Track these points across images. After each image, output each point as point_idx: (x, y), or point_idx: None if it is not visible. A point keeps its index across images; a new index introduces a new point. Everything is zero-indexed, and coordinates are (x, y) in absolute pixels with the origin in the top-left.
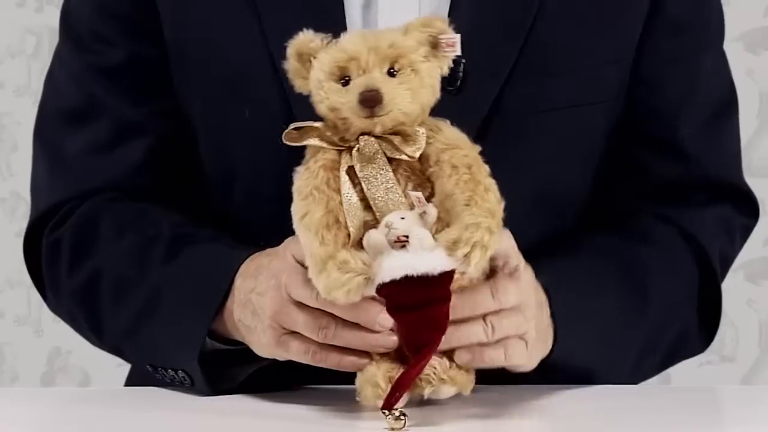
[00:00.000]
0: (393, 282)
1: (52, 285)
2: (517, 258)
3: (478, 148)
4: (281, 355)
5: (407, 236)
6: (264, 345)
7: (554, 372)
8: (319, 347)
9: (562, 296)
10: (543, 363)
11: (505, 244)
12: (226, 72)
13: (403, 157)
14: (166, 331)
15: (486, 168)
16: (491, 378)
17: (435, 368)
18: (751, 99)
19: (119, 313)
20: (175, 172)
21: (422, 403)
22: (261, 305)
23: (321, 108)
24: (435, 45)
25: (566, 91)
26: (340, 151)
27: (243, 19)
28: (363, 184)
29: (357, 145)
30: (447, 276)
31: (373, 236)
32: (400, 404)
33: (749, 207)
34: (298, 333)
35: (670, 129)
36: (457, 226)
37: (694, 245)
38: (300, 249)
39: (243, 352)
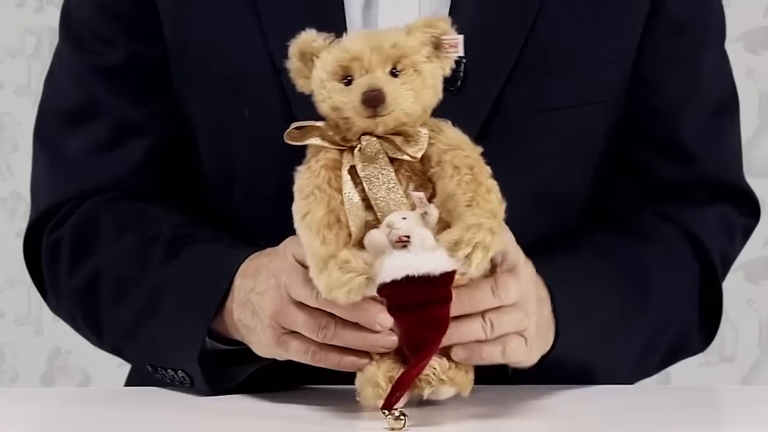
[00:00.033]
0: (394, 282)
1: (52, 285)
2: (516, 254)
3: (480, 149)
4: (281, 355)
5: (409, 236)
6: (263, 345)
7: (555, 369)
8: (318, 347)
9: (564, 292)
10: (544, 359)
11: (504, 240)
12: (226, 72)
13: (405, 157)
14: (166, 331)
15: (488, 169)
16: (491, 378)
17: (435, 369)
18: (751, 99)
19: (119, 313)
20: (175, 172)
21: (422, 403)
22: (261, 305)
23: (323, 107)
24: (438, 46)
25: (566, 91)
26: (341, 151)
27: (243, 19)
28: (364, 184)
29: (359, 145)
30: (448, 276)
31: (375, 236)
32: (399, 404)
33: (750, 207)
34: (298, 333)
35: (671, 129)
36: (459, 227)
37: (696, 244)
38: (300, 248)
39: (243, 352)
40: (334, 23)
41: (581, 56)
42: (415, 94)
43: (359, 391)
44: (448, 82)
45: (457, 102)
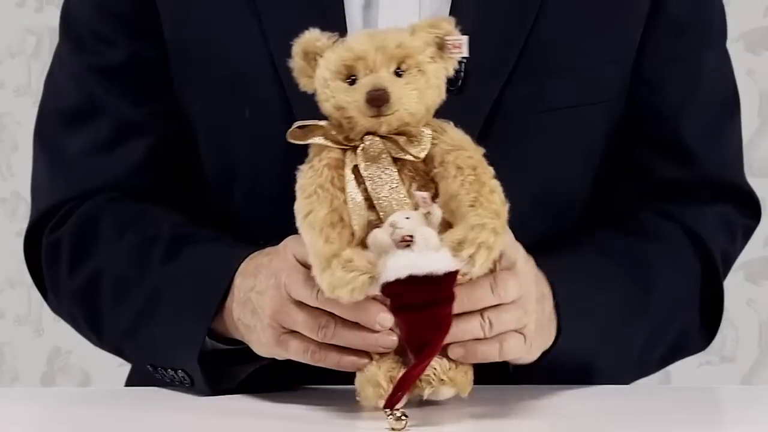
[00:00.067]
0: (398, 281)
1: (52, 285)
2: (514, 252)
3: (482, 150)
4: (280, 354)
5: (412, 236)
6: (263, 344)
7: (555, 367)
8: (318, 346)
9: (566, 289)
10: (544, 356)
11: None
12: (226, 72)
13: (408, 157)
14: (166, 330)
15: (491, 170)
16: (491, 378)
17: (435, 369)
18: (751, 99)
19: (119, 313)
20: (175, 172)
21: (422, 403)
22: (260, 304)
23: (326, 107)
24: (441, 46)
25: (567, 92)
26: (344, 150)
27: (243, 19)
28: (367, 183)
29: (362, 145)
30: (451, 276)
31: (378, 235)
32: (399, 404)
33: (751, 208)
34: (298, 332)
35: (672, 128)
36: (463, 227)
37: (697, 242)
38: (301, 248)
39: (243, 352)
40: (334, 23)
41: (581, 56)
42: (419, 94)
43: (359, 391)
44: (449, 82)
45: (458, 102)
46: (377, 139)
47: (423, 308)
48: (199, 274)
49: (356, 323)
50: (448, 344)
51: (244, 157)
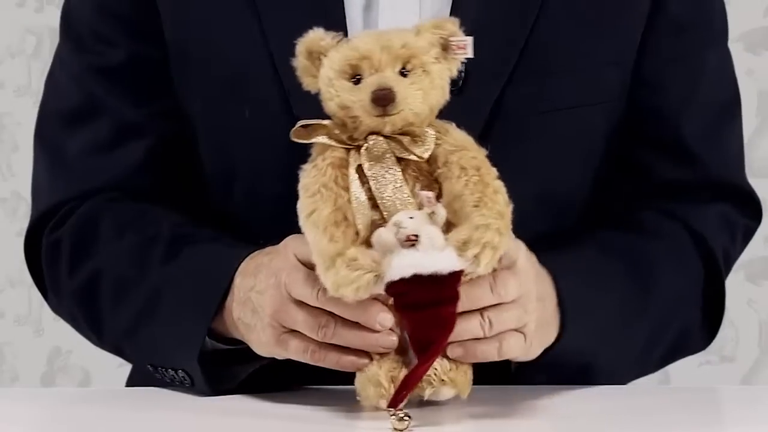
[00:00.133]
0: (402, 280)
1: (52, 285)
2: (515, 251)
3: (485, 151)
4: (280, 354)
5: (417, 236)
6: (263, 343)
7: (556, 365)
8: (318, 346)
9: (569, 286)
10: (546, 353)
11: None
12: (226, 72)
13: (412, 157)
14: (166, 330)
15: (494, 170)
16: (492, 378)
17: (436, 369)
18: (751, 99)
19: (119, 313)
20: (175, 172)
21: (422, 403)
22: (261, 303)
23: (330, 106)
24: (446, 47)
25: (567, 92)
26: (348, 150)
27: (243, 19)
28: (371, 183)
29: (366, 144)
30: (456, 276)
31: (383, 235)
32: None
33: (752, 208)
34: (298, 332)
35: (672, 129)
36: (467, 227)
37: (699, 241)
38: (302, 247)
39: (243, 352)
40: (335, 24)
41: (582, 57)
42: (424, 95)
43: (360, 390)
44: (450, 83)
45: (458, 102)
46: (381, 138)
47: (427, 307)
48: (199, 274)
49: (356, 323)
50: (448, 343)
51: (244, 157)
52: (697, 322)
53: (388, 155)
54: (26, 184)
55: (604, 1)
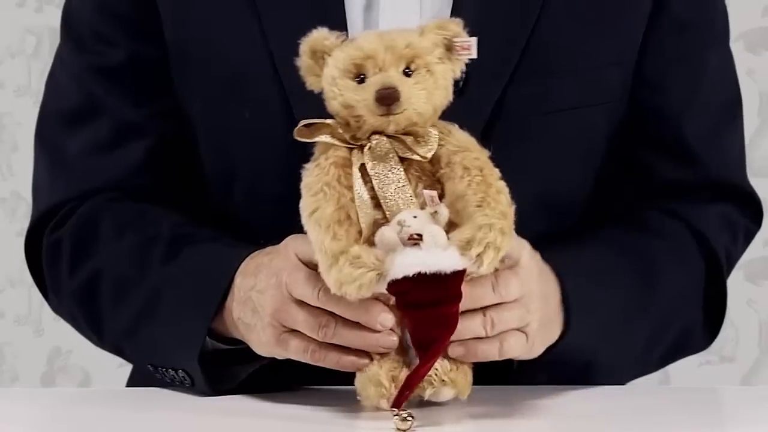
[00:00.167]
0: (405, 279)
1: (53, 285)
2: (518, 251)
3: (488, 152)
4: (280, 354)
5: (420, 235)
6: (263, 343)
7: (558, 363)
8: (318, 346)
9: (575, 284)
10: (549, 350)
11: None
12: (226, 72)
13: (415, 157)
14: (166, 330)
15: (497, 171)
16: (492, 378)
17: (437, 369)
18: (751, 99)
19: (119, 313)
20: (175, 172)
21: (422, 403)
22: (261, 303)
23: (334, 105)
24: (450, 48)
25: (568, 93)
26: (351, 149)
27: (243, 19)
28: (374, 182)
29: (369, 144)
30: (459, 275)
31: (386, 233)
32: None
33: (753, 209)
34: (298, 331)
35: (674, 129)
36: (470, 226)
37: (701, 241)
38: (303, 246)
39: (243, 352)
40: (335, 24)
41: (583, 57)
42: (428, 95)
43: (360, 390)
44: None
45: (460, 103)
46: (384, 138)
47: (429, 306)
48: (199, 274)
49: (357, 323)
50: (450, 342)
51: (244, 157)
52: (698, 322)
53: (391, 155)
54: (26, 184)
55: (606, 1)
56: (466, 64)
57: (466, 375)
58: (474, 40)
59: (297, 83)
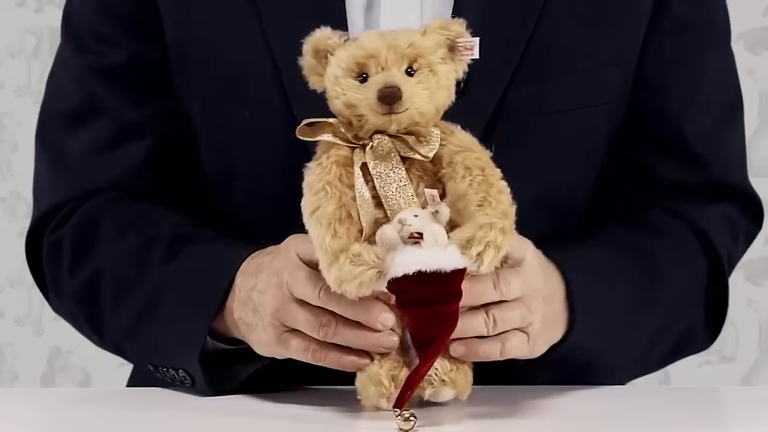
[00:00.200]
0: (405, 277)
1: (53, 285)
2: (520, 251)
3: (489, 152)
4: (281, 353)
5: (421, 234)
6: (264, 343)
7: (560, 362)
8: (319, 345)
9: (579, 283)
10: (552, 349)
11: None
12: (226, 72)
13: (417, 156)
14: (167, 330)
15: (498, 171)
16: (493, 377)
17: (437, 369)
18: (751, 99)
19: (120, 313)
20: (176, 172)
21: (422, 403)
22: (262, 303)
23: (336, 104)
24: (452, 48)
25: (569, 93)
26: (353, 148)
27: (244, 19)
28: (375, 181)
29: (371, 143)
30: (459, 274)
31: (387, 232)
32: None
33: (753, 210)
34: (299, 331)
35: (675, 129)
36: (471, 226)
37: (703, 240)
38: (304, 246)
39: (244, 352)
40: (336, 24)
41: (583, 58)
42: (430, 94)
43: (360, 390)
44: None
45: (461, 104)
46: (386, 137)
47: (429, 305)
48: (200, 274)
49: (358, 322)
50: (451, 341)
51: (245, 157)
52: (700, 322)
53: (392, 154)
54: (26, 184)
55: (606, 2)
56: (468, 65)
57: (466, 375)
58: (477, 41)
59: (297, 83)
